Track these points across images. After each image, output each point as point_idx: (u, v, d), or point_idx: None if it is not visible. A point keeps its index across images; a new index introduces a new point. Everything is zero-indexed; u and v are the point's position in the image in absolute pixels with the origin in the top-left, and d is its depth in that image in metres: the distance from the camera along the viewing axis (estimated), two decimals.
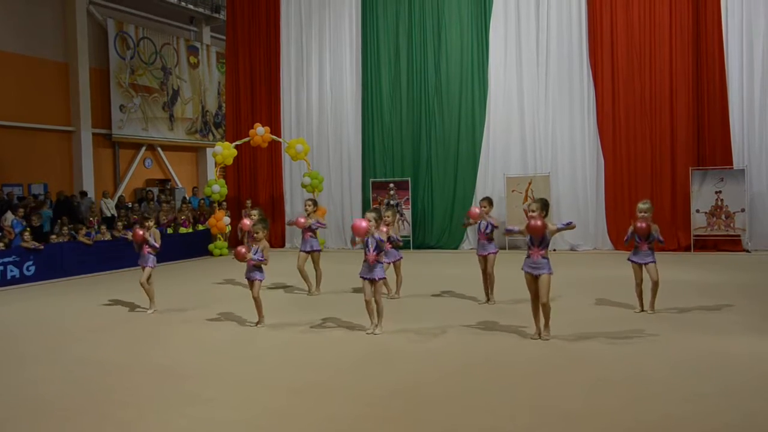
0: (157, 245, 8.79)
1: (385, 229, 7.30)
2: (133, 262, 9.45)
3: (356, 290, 9.56)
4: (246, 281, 7.83)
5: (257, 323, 7.69)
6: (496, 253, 8.56)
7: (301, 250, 10.03)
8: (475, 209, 8.61)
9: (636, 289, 7.79)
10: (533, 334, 6.64)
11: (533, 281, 6.53)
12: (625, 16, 14.76)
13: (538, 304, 6.55)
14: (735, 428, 4.19)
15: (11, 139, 17.18)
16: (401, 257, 9.22)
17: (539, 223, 6.37)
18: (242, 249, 7.52)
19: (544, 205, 6.56)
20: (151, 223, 8.96)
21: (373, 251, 6.90)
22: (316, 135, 17.82)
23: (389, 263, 8.59)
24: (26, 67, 17.60)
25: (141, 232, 8.74)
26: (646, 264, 7.64)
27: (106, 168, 20.07)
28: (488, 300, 8.64)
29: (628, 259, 7.82)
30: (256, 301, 7.64)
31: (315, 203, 10.21)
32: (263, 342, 6.95)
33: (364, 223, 6.77)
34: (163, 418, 4.66)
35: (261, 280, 7.68)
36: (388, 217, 8.72)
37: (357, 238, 6.91)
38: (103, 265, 13.40)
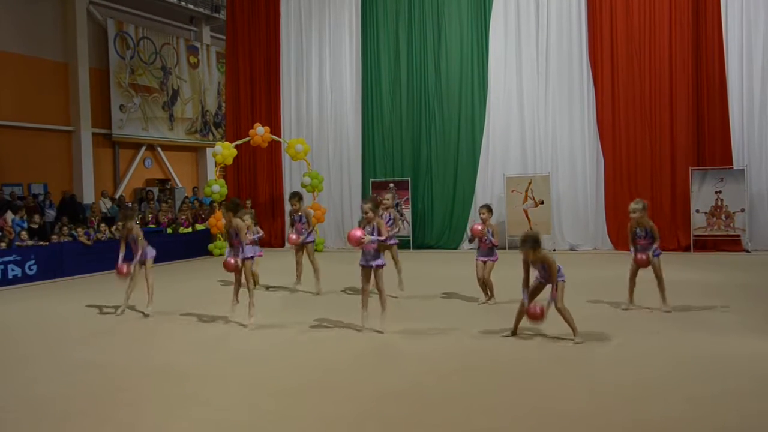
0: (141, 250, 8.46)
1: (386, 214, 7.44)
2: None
3: (355, 291, 9.57)
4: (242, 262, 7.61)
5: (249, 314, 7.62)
6: (495, 260, 8.51)
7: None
8: (477, 226, 8.49)
9: (629, 284, 7.89)
10: (507, 333, 6.69)
11: (541, 286, 6.53)
12: (625, 16, 14.75)
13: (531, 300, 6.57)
14: (734, 429, 4.19)
15: (11, 138, 17.19)
16: (397, 242, 9.24)
17: (537, 311, 6.23)
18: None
19: (533, 242, 6.36)
20: (131, 224, 8.44)
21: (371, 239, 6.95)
22: (316, 135, 17.83)
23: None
24: (26, 67, 17.61)
25: (125, 269, 8.29)
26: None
27: (106, 168, 20.08)
28: (489, 299, 8.63)
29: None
30: (254, 276, 7.61)
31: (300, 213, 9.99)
32: (262, 342, 6.95)
33: (358, 233, 6.83)
34: (163, 419, 4.66)
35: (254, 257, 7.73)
36: (387, 200, 9.07)
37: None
38: (103, 264, 13.38)
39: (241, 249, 7.54)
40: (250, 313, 7.58)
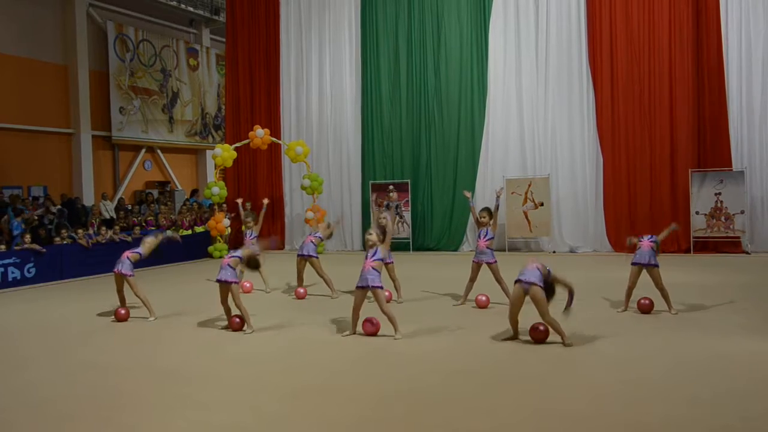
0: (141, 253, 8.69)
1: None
2: (135, 265, 9.21)
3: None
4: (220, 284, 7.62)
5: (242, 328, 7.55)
6: (495, 262, 8.45)
7: (298, 254, 10.00)
8: (481, 297, 8.51)
9: (627, 291, 7.92)
10: (507, 336, 6.69)
11: (522, 294, 6.46)
12: (624, 19, 14.77)
13: (518, 312, 6.58)
14: (734, 430, 4.20)
15: (11, 141, 17.19)
16: (392, 261, 8.99)
17: (542, 329, 6.50)
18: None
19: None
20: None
21: (371, 258, 6.95)
22: (316, 137, 17.84)
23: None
24: (26, 70, 17.61)
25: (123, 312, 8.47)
26: (649, 268, 7.69)
27: (106, 170, 20.07)
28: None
29: (632, 263, 7.87)
30: (240, 308, 7.48)
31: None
32: (263, 345, 6.94)
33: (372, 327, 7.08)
34: (163, 421, 4.67)
35: (237, 283, 7.61)
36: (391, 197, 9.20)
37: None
38: (103, 267, 13.34)
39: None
40: (249, 325, 7.52)
